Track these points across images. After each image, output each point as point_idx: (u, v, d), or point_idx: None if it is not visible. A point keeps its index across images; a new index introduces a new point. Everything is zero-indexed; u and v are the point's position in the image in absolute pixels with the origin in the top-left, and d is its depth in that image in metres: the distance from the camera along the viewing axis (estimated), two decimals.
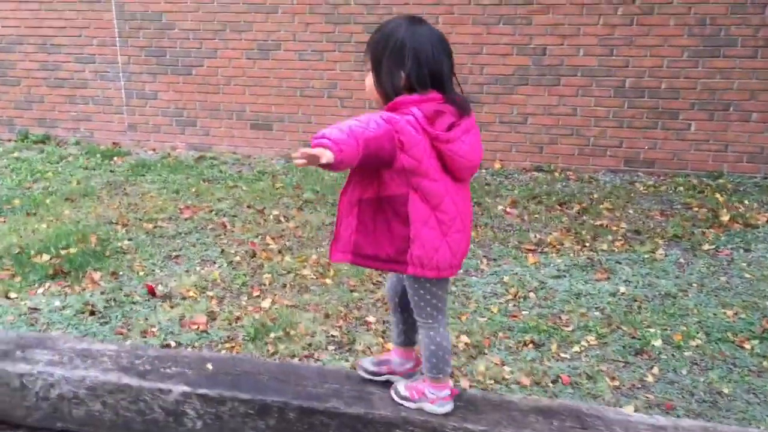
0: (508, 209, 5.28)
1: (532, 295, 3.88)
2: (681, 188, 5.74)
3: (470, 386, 2.95)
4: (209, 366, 2.38)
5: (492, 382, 3.04)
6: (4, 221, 5.05)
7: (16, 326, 3.58)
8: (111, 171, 6.48)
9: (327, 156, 1.79)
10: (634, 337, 3.42)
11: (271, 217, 5.19)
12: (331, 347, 3.37)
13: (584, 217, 5.09)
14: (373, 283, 4.03)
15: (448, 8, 6.31)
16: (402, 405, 2.24)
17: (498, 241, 4.69)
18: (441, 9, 6.32)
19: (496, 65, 6.32)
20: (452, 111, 2.06)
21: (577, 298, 3.85)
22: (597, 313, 3.67)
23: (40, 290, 4.00)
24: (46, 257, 4.36)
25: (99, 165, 6.68)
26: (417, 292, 2.15)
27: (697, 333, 3.43)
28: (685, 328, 3.47)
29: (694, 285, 3.98)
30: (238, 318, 3.67)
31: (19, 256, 4.38)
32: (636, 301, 3.80)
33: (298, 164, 1.81)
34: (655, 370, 3.13)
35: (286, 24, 6.72)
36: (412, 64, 2.04)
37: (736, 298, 3.81)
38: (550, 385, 3.02)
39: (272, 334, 3.43)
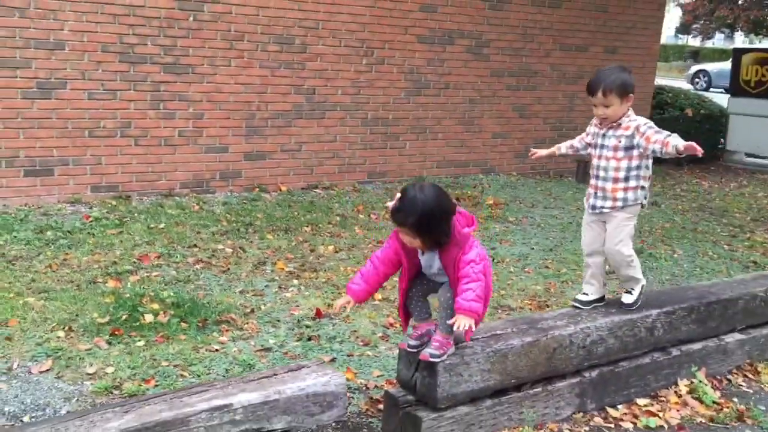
0: (371, 215, 6.77)
1: (507, 261, 5.77)
2: None
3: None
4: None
5: None
6: None
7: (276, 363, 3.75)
8: None
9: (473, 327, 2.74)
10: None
11: (254, 249, 5.51)
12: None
13: None
14: None
15: (240, 53, 7.15)
16: (439, 361, 2.89)
17: None
18: (233, 53, 7.11)
19: (279, 102, 7.46)
20: None
21: (526, 257, 5.91)
22: (552, 261, 5.83)
23: (224, 338, 3.99)
24: (149, 318, 4.10)
25: None
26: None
27: None
28: None
29: (557, 238, 6.46)
30: None
31: (133, 319, 4.02)
32: (551, 251, 6.08)
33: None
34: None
35: (75, 61, 6.39)
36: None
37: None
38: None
39: None
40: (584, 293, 3.65)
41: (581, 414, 3.50)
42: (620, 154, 3.39)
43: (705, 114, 10.88)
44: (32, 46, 6.17)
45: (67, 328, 3.93)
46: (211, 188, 7.19)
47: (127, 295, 4.34)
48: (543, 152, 3.74)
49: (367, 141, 8.07)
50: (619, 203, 3.43)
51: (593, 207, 3.52)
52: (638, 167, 3.41)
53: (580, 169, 9.20)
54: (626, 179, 3.40)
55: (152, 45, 6.68)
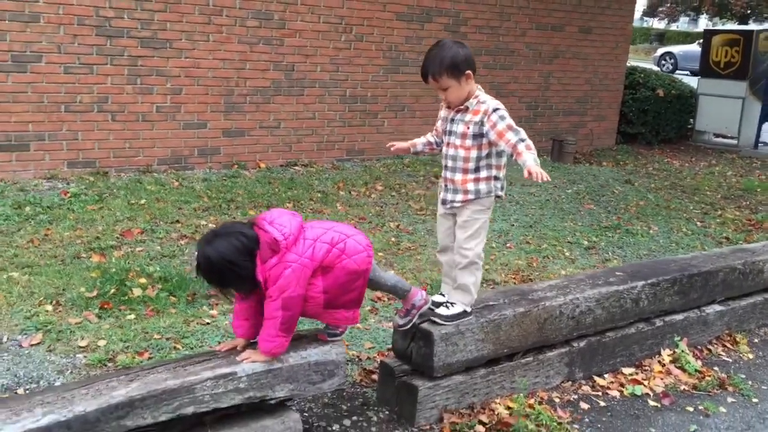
0: (352, 192, 6.78)
1: (489, 238, 5.83)
2: (404, 166, 8.08)
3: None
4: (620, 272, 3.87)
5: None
6: None
7: None
8: None
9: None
10: (556, 243, 5.83)
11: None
12: None
13: (433, 190, 7.03)
14: None
15: (218, 28, 7.06)
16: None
17: (409, 213, 6.31)
18: (212, 28, 7.03)
19: (257, 79, 7.40)
20: None
21: (507, 234, 5.98)
22: (532, 237, 5.91)
23: (215, 312, 4.00)
24: (137, 292, 4.09)
25: None
26: None
27: (577, 231, 6.05)
28: (572, 224, 6.06)
29: (536, 215, 6.55)
30: None
31: (121, 293, 4.01)
32: (531, 227, 6.17)
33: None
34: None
35: (50, 34, 6.27)
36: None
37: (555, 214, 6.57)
38: (599, 264, 5.23)
39: None
40: (441, 293, 3.25)
41: (570, 383, 3.58)
42: (469, 142, 3.00)
43: (675, 94, 11.05)
44: (7, 18, 6.04)
45: (54, 302, 3.90)
46: (189, 165, 7.13)
47: (113, 270, 4.31)
48: (402, 145, 3.31)
49: (345, 118, 8.06)
50: (471, 195, 3.03)
51: (444, 201, 3.14)
52: (488, 155, 3.02)
53: (555, 147, 9.30)
54: (476, 170, 3.02)
55: (129, 18, 6.58)
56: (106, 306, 3.85)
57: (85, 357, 3.38)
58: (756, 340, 4.31)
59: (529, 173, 2.80)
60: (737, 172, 9.74)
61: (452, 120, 3.08)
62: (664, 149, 10.93)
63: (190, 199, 6.05)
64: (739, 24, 36.00)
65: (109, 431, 2.29)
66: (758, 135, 10.87)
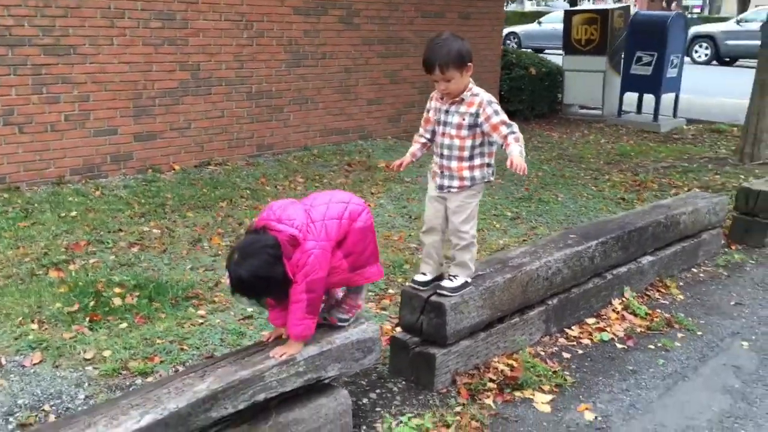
0: (278, 186, 6.91)
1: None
2: (314, 157, 8.27)
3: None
4: (573, 235, 4.30)
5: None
6: None
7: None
8: None
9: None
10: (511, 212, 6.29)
11: (182, 228, 5.49)
12: None
13: (352, 178, 7.24)
14: None
15: (122, 31, 6.92)
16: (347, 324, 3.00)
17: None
18: (115, 32, 6.88)
19: (164, 80, 7.32)
20: None
21: None
22: None
23: (202, 312, 4.09)
24: (118, 301, 4.11)
25: None
26: None
27: (498, 204, 6.53)
28: (490, 197, 6.52)
29: None
30: None
31: (102, 304, 4.00)
32: None
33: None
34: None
35: None
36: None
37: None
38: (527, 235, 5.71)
39: None
40: (422, 273, 3.45)
41: (548, 337, 3.98)
42: (464, 132, 3.20)
43: (545, 72, 11.87)
44: None
45: (35, 320, 3.83)
46: (102, 173, 6.96)
47: (82, 283, 4.26)
48: (406, 160, 3.41)
49: (253, 114, 8.12)
50: (467, 182, 3.26)
51: (440, 187, 3.33)
52: (482, 144, 3.24)
53: None
54: (471, 157, 3.24)
55: (30, 26, 6.32)
56: (95, 318, 3.83)
57: (95, 369, 3.39)
58: (681, 283, 4.92)
59: (512, 163, 3.01)
60: (609, 139, 10.65)
61: (447, 111, 3.26)
62: (541, 123, 11.73)
63: (121, 206, 5.96)
64: (570, 5, 38.58)
65: (198, 423, 2.40)
66: (620, 104, 11.90)
